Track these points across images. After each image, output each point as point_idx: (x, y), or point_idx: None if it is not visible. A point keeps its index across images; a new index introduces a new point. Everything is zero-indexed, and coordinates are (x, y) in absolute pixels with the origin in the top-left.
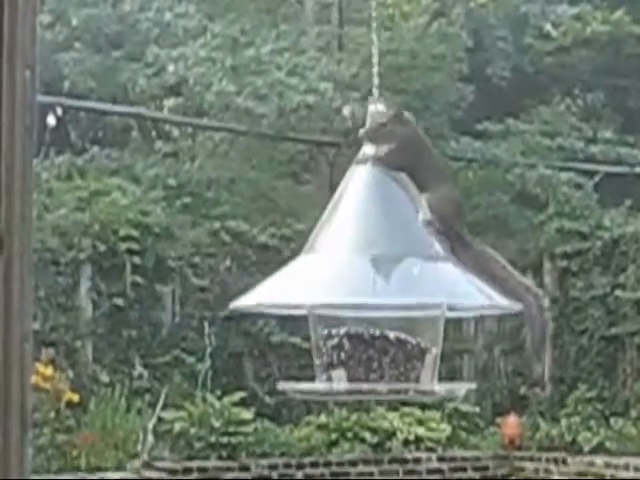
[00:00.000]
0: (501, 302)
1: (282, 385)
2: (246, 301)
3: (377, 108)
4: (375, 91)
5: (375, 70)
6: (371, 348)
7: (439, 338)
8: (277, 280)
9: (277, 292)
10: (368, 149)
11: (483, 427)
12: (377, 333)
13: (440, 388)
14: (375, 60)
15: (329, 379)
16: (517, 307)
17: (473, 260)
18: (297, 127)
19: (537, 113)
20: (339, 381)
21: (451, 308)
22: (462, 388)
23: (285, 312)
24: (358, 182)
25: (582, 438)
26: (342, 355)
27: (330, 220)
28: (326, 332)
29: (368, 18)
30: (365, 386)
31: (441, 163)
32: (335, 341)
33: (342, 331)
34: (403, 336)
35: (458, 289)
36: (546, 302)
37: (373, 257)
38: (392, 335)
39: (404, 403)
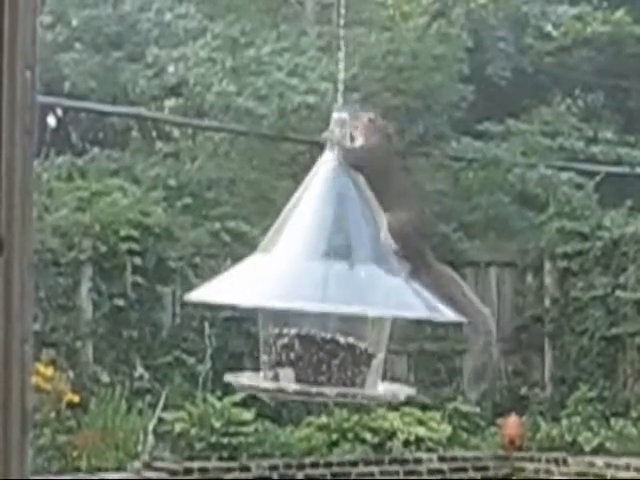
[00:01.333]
0: (444, 315)
1: (229, 378)
2: (200, 295)
3: (341, 116)
4: (340, 99)
5: (340, 77)
6: (321, 351)
7: (384, 341)
8: (231, 277)
9: (229, 290)
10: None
11: (484, 427)
12: (328, 336)
13: (384, 391)
14: (341, 66)
15: (276, 376)
16: (454, 317)
17: (433, 282)
18: (298, 128)
19: (538, 113)
20: (287, 380)
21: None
22: (403, 392)
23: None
24: (320, 182)
25: (583, 438)
26: (292, 355)
27: (287, 219)
28: (277, 331)
29: (369, 18)
30: (314, 389)
31: (406, 181)
32: (285, 340)
33: (293, 331)
34: (352, 341)
35: (404, 299)
36: (494, 329)
37: (325, 260)
38: (342, 339)
39: (405, 403)
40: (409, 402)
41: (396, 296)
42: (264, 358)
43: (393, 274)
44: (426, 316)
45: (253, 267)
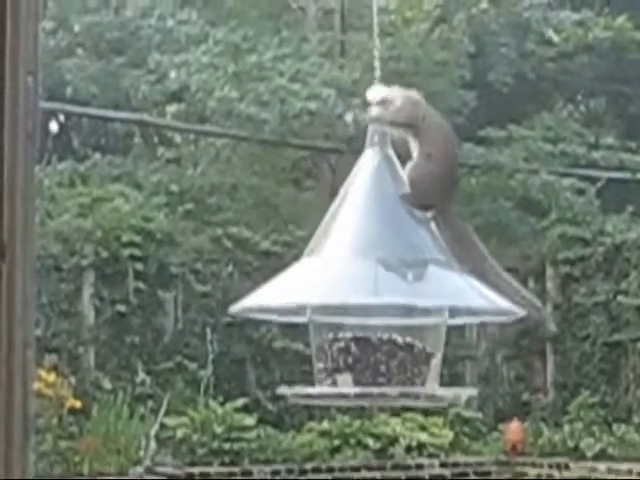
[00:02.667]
0: (502, 305)
1: (283, 390)
2: (246, 304)
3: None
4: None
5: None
6: (378, 352)
7: (441, 343)
8: (279, 282)
9: (278, 294)
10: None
11: (486, 433)
12: (385, 337)
13: (446, 393)
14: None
15: (334, 383)
16: (518, 312)
17: (451, 240)
18: (299, 133)
19: (539, 119)
20: (345, 385)
21: (452, 312)
22: (465, 393)
23: (285, 319)
24: (363, 181)
25: (585, 444)
26: (349, 359)
27: (332, 222)
28: (332, 335)
29: (370, 24)
30: (375, 390)
31: (442, 137)
32: (342, 344)
33: (349, 335)
34: (410, 340)
35: (461, 293)
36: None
37: (376, 260)
38: (400, 339)
39: (406, 409)
40: (410, 408)
41: (453, 291)
42: (319, 366)
43: (448, 269)
44: (485, 309)
45: (302, 271)
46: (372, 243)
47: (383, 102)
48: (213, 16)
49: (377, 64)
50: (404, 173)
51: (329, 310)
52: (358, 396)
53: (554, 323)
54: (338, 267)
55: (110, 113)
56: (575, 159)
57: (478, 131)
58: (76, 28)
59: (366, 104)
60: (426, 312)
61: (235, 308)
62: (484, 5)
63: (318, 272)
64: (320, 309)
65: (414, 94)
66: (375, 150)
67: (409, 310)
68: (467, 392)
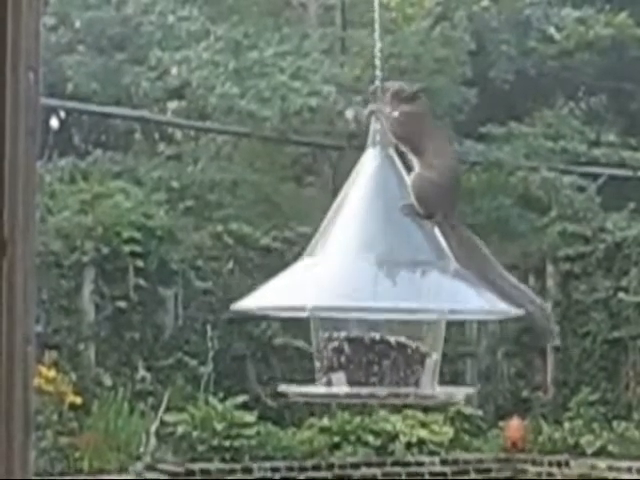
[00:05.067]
0: (501, 306)
1: (283, 387)
2: (248, 303)
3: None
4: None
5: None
6: (371, 352)
7: (439, 342)
8: (279, 282)
9: (279, 294)
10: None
11: (486, 430)
12: (377, 337)
13: (440, 392)
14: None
15: (329, 382)
16: (517, 311)
17: (456, 246)
18: (300, 130)
19: (540, 116)
20: (339, 384)
21: (452, 312)
22: (461, 392)
23: (287, 314)
24: (364, 181)
25: (585, 441)
26: (342, 358)
27: (333, 222)
28: (327, 335)
29: (371, 20)
30: (365, 390)
31: (443, 141)
32: (335, 344)
33: (342, 335)
34: (403, 340)
35: (459, 294)
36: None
37: (376, 260)
38: (392, 339)
39: (407, 406)
40: (410, 405)
41: (451, 293)
42: (317, 364)
43: (447, 271)
44: (483, 309)
45: (302, 272)
46: (373, 244)
47: (381, 110)
48: (214, 13)
49: (378, 62)
50: (407, 183)
51: (328, 309)
52: (348, 396)
53: (557, 329)
54: (338, 268)
55: (111, 109)
56: (576, 156)
57: (479, 128)
58: (77, 24)
59: (367, 100)
60: (424, 312)
61: (237, 306)
62: (485, 2)
63: (318, 273)
64: (319, 309)
65: (415, 108)
66: (377, 150)
67: (408, 309)
68: (464, 391)
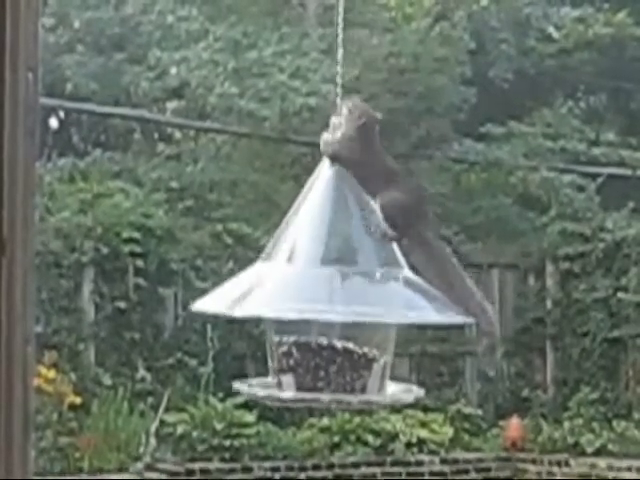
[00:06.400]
0: (455, 319)
1: (237, 385)
2: (201, 306)
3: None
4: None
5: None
6: (318, 357)
7: (390, 347)
8: (233, 286)
9: (231, 300)
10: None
11: (486, 429)
12: (325, 343)
13: (387, 396)
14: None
15: (279, 383)
16: (464, 318)
17: (427, 260)
18: (299, 130)
19: (539, 115)
20: (288, 387)
21: (401, 317)
22: (411, 396)
23: (241, 315)
24: (320, 187)
25: (585, 440)
26: (291, 362)
27: (288, 228)
28: (277, 339)
29: (371, 20)
30: (309, 395)
31: (391, 163)
32: (285, 348)
33: (291, 339)
34: (350, 346)
35: (409, 301)
36: (497, 330)
37: (327, 268)
38: (339, 345)
39: (406, 405)
40: (411, 404)
41: (402, 299)
42: (269, 365)
43: (398, 278)
44: (432, 319)
45: (256, 276)
46: (325, 250)
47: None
48: (213, 12)
49: (339, 80)
50: (374, 206)
51: (278, 312)
52: (294, 400)
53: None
54: (291, 274)
55: (110, 109)
56: (575, 155)
57: (478, 127)
58: (76, 24)
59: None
60: (373, 316)
61: (196, 307)
62: (484, 2)
63: (270, 279)
64: (271, 312)
65: (363, 120)
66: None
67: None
68: (414, 394)
